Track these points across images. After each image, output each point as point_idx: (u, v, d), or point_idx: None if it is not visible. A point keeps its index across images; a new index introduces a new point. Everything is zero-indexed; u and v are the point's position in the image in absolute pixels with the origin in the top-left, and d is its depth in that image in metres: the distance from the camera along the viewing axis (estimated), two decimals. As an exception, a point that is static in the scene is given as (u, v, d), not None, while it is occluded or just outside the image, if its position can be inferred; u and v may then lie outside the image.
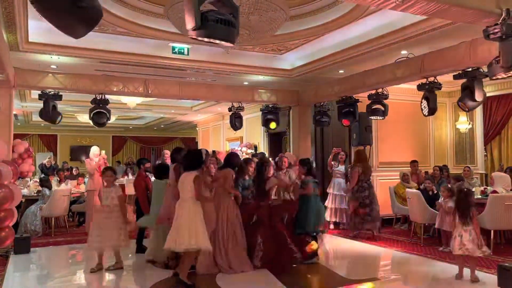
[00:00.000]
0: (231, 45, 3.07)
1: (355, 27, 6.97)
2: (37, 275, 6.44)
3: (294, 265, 5.96)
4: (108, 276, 5.86)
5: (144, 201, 6.70)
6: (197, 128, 18.46)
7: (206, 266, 5.71)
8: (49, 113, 8.03)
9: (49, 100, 8.01)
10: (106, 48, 7.51)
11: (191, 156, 5.48)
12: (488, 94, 10.44)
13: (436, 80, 6.99)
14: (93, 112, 8.26)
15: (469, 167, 9.09)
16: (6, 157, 5.09)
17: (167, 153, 9.12)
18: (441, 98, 10.47)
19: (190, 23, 2.79)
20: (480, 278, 5.31)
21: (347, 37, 7.37)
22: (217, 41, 2.95)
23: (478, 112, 10.76)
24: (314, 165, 7.97)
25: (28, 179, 11.13)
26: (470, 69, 6.21)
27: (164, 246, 5.17)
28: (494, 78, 4.32)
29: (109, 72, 8.57)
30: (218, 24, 2.80)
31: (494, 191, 7.27)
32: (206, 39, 2.90)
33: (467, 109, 6.16)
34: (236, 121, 10.04)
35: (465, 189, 5.54)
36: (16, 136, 12.24)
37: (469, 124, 10.87)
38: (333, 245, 7.59)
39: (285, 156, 7.51)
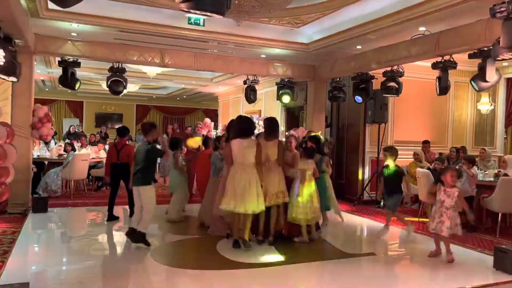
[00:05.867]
0: (221, 16, 3.11)
1: (373, 1, 6.82)
2: (51, 233, 6.86)
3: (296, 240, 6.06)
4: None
5: None
6: (218, 100, 18.58)
7: (219, 228, 6.13)
8: (68, 79, 8.29)
9: (68, 67, 8.25)
10: (124, 17, 7.61)
11: (246, 123, 5.70)
12: (511, 75, 10.16)
13: (451, 59, 6.82)
14: (110, 80, 8.46)
15: (484, 149, 8.92)
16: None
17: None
18: (462, 77, 10.23)
19: (178, -5, 2.86)
20: (479, 259, 5.43)
21: (365, 11, 7.22)
22: (208, 13, 3.00)
23: (501, 93, 10.47)
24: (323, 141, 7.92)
25: (54, 142, 11.62)
26: (485, 49, 6.03)
27: (231, 208, 5.39)
28: (499, 59, 4.21)
29: (127, 41, 8.71)
30: (206, -5, 2.84)
31: (505, 174, 7.16)
32: (198, 12, 2.94)
33: (477, 89, 6.02)
34: (250, 94, 10.08)
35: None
36: (44, 102, 12.75)
37: (491, 105, 10.58)
38: (340, 221, 7.65)
39: (292, 136, 7.29)
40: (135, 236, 5.53)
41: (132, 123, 21.25)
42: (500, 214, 6.84)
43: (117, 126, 21.44)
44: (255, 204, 5.37)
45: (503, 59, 4.20)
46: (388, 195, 6.70)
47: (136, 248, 5.53)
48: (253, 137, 5.71)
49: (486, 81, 5.80)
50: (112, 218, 7.20)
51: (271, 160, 5.79)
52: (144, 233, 5.54)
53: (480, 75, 5.86)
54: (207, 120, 10.30)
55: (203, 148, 7.62)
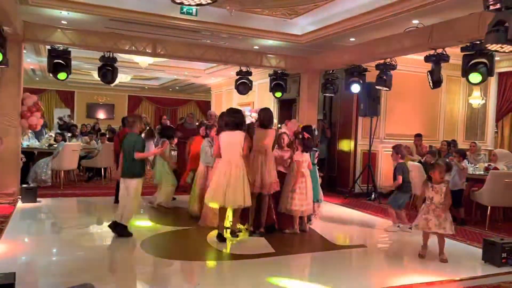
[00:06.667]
0: (213, 1, 3.04)
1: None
2: (40, 223, 6.79)
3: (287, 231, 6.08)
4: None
5: None
6: (211, 92, 18.47)
7: (210, 219, 6.12)
8: (57, 68, 8.16)
9: (57, 56, 8.12)
10: (116, 5, 7.48)
11: (236, 115, 5.60)
12: (503, 70, 10.21)
13: (444, 52, 6.81)
14: (101, 70, 8.35)
15: (475, 143, 8.97)
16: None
17: None
18: (455, 71, 10.23)
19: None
20: (468, 252, 5.49)
21: (358, 3, 7.19)
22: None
23: (493, 87, 10.52)
24: (316, 133, 7.91)
25: (44, 132, 11.49)
26: (478, 42, 6.02)
27: (222, 203, 5.34)
28: (494, 49, 4.19)
29: (118, 30, 8.59)
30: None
31: (495, 168, 7.20)
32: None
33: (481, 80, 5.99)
34: (242, 86, 9.99)
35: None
36: (34, 91, 12.54)
37: (483, 99, 10.63)
38: (331, 213, 7.66)
39: (284, 133, 7.20)
40: (118, 228, 5.51)
41: (124, 113, 21.06)
42: (489, 207, 6.90)
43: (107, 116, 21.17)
44: (241, 199, 5.32)
45: (496, 51, 4.16)
46: None
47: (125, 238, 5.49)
48: (242, 130, 5.62)
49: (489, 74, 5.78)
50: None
51: (268, 149, 5.82)
52: (125, 226, 5.52)
53: (479, 68, 5.84)
54: (213, 111, 10.10)
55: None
